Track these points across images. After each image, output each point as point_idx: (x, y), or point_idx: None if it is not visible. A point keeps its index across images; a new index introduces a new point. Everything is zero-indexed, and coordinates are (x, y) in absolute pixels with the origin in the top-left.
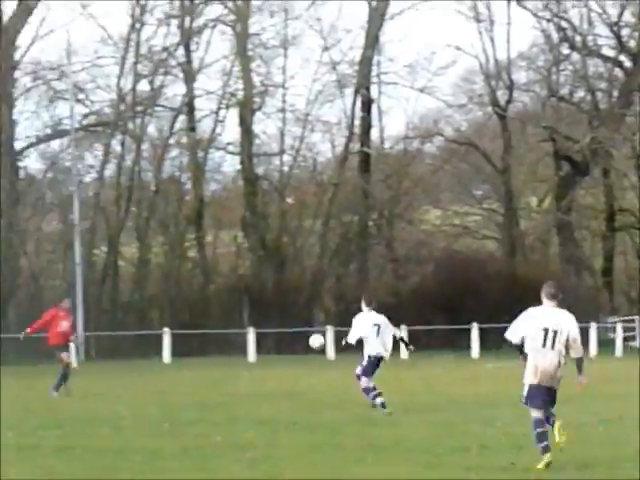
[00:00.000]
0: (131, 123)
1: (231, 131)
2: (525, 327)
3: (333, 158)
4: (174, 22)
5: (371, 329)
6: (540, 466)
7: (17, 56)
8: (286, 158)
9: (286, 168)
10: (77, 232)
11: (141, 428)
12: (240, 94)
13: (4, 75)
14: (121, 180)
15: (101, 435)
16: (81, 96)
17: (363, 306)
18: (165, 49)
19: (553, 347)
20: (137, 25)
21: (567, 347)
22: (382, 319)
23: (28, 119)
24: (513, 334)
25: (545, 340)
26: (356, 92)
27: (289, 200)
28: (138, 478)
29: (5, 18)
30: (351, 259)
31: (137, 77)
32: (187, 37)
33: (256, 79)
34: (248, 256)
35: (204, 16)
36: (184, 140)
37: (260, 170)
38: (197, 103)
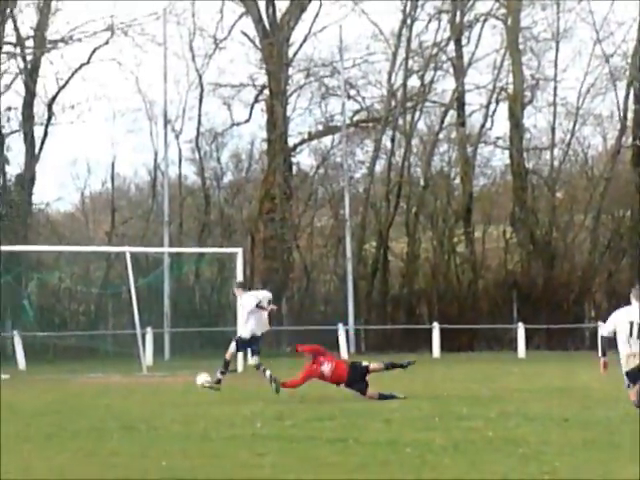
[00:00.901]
0: (401, 119)
1: (501, 125)
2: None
3: (605, 152)
4: (445, 17)
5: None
6: None
7: (290, 53)
8: (557, 152)
9: (556, 162)
10: (348, 227)
11: (412, 421)
12: (510, 88)
13: (278, 72)
14: (391, 175)
15: (373, 428)
16: (352, 92)
17: (633, 301)
18: (436, 44)
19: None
20: (408, 21)
21: None
22: None
23: (301, 115)
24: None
25: (631, 331)
26: (629, 85)
27: None
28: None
29: (279, 15)
30: (623, 254)
31: (408, 73)
32: (458, 32)
33: (527, 73)
34: (517, 251)
35: (475, 10)
36: (453, 135)
37: (530, 164)
38: (467, 98)
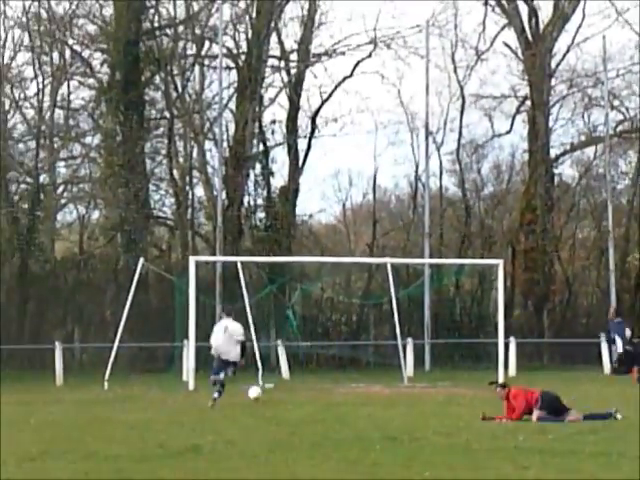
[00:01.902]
0: None
1: None
2: None
3: None
4: None
5: None
6: None
7: (553, 64)
8: None
9: None
10: (611, 239)
11: None
12: None
13: (541, 83)
14: None
15: (638, 442)
16: (616, 102)
17: None
18: None
19: None
20: None
21: None
22: None
23: (563, 126)
24: None
25: None
26: None
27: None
28: None
29: (541, 26)
30: None
31: None
32: None
33: None
34: None
35: None
36: None
37: None
38: None
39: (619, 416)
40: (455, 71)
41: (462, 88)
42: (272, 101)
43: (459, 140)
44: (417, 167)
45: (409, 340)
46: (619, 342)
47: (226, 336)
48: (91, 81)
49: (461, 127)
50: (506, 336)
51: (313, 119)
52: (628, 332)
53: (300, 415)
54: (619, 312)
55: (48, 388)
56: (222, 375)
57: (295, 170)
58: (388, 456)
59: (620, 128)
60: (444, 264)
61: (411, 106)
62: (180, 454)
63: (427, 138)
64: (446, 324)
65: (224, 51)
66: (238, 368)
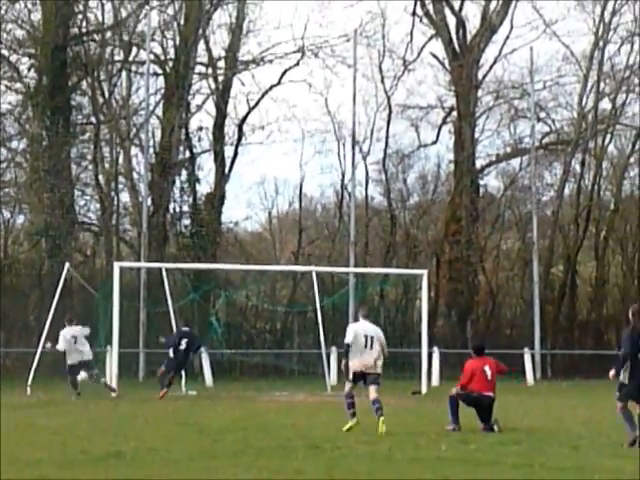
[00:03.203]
0: (592, 142)
1: None
2: None
3: None
4: (638, 40)
5: None
6: None
7: (480, 75)
8: None
9: None
10: (535, 250)
11: (600, 448)
12: None
13: (467, 94)
14: (580, 199)
15: (560, 454)
16: (542, 114)
17: None
18: (628, 67)
19: None
20: (600, 43)
21: None
22: None
23: (489, 137)
24: None
25: None
26: None
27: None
28: None
29: (469, 37)
30: None
31: (599, 95)
32: None
33: None
34: None
35: None
36: None
37: None
38: None
39: (496, 428)
40: (382, 81)
41: (389, 98)
42: (199, 108)
43: (385, 150)
44: (343, 176)
45: (333, 349)
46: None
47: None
48: (18, 85)
49: (387, 137)
50: (430, 346)
51: (240, 127)
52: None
53: (223, 423)
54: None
55: None
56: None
57: (221, 177)
58: (310, 464)
59: (546, 140)
60: (369, 273)
61: (338, 115)
62: (102, 460)
63: (354, 147)
64: None
65: (151, 57)
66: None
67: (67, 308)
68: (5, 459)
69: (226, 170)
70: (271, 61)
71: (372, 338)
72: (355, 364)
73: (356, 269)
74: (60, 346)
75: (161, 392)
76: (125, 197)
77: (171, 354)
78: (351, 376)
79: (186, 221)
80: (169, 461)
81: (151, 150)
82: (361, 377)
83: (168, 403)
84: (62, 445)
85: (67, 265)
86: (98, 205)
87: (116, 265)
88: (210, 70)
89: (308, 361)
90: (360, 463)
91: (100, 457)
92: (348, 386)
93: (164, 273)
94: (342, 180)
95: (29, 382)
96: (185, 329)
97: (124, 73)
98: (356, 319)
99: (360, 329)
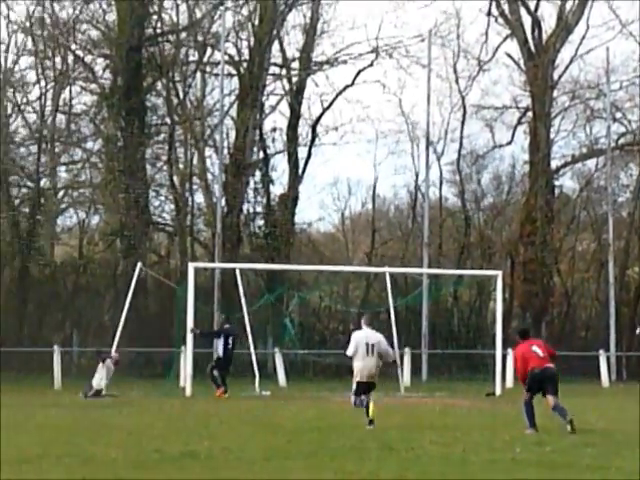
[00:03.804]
0: None
1: None
2: None
3: None
4: None
5: None
6: None
7: (555, 75)
8: None
9: None
10: (611, 252)
11: None
12: None
13: (543, 94)
14: None
15: (635, 456)
16: (618, 115)
17: None
18: None
19: None
20: None
21: None
22: None
23: (565, 138)
24: None
25: None
26: None
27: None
28: None
29: (544, 37)
30: None
31: None
32: None
33: None
34: None
35: None
36: None
37: None
38: None
39: (568, 428)
40: (457, 81)
41: (463, 98)
42: (273, 109)
43: (459, 150)
44: (417, 177)
45: (406, 350)
46: None
47: None
48: (93, 86)
49: (462, 137)
50: (504, 348)
51: (314, 127)
52: None
53: (297, 423)
54: None
55: (46, 391)
56: None
57: (295, 178)
58: (384, 466)
59: (622, 141)
60: (442, 274)
61: (412, 116)
62: (177, 460)
63: (427, 148)
64: (444, 334)
65: (226, 58)
66: None
67: (142, 308)
68: (80, 457)
69: (299, 171)
70: (345, 62)
71: (373, 346)
72: (360, 374)
73: (430, 270)
74: None
75: (218, 391)
76: (199, 198)
77: (220, 353)
78: (355, 387)
79: (260, 222)
80: (243, 461)
81: (225, 151)
82: (365, 387)
83: (242, 403)
84: (136, 444)
85: (139, 264)
86: (173, 206)
87: (191, 265)
88: (284, 71)
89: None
90: (434, 465)
91: (174, 457)
92: (354, 398)
93: (238, 273)
94: (416, 181)
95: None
96: (229, 326)
97: (199, 74)
98: (358, 327)
99: (362, 337)
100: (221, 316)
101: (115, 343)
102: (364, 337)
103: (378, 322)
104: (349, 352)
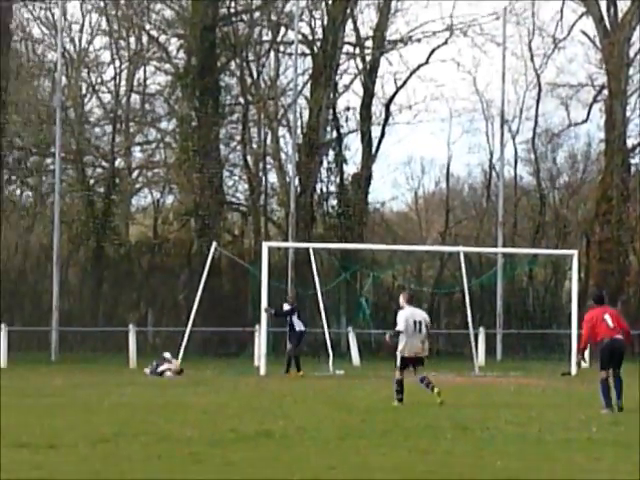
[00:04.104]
0: None
1: None
2: None
3: None
4: None
5: None
6: None
7: (631, 53)
8: None
9: None
10: None
11: None
12: None
13: (618, 72)
14: None
15: None
16: None
17: None
18: None
19: None
20: None
21: None
22: None
23: None
24: None
25: None
26: None
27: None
28: None
29: (620, 14)
30: None
31: None
32: None
33: None
34: None
35: None
36: None
37: None
38: None
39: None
40: (532, 59)
41: (539, 76)
42: (346, 88)
43: (535, 129)
44: (491, 155)
45: (481, 330)
46: None
47: None
48: (167, 66)
49: (537, 116)
50: (580, 327)
51: (387, 106)
52: None
53: (371, 402)
54: None
55: (121, 370)
56: None
57: (368, 157)
58: (459, 445)
59: None
60: (517, 254)
61: (486, 94)
62: (252, 439)
63: (502, 126)
64: (518, 314)
65: (299, 37)
66: None
67: (216, 288)
68: (156, 436)
69: (373, 150)
70: (419, 40)
71: (420, 322)
72: (406, 350)
73: (504, 249)
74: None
75: (298, 372)
76: (273, 177)
77: (302, 328)
78: (399, 363)
79: (333, 201)
80: (318, 440)
81: (299, 130)
82: (410, 363)
83: (316, 382)
84: (212, 423)
85: (214, 244)
86: (246, 185)
87: (265, 245)
88: (358, 50)
89: (455, 342)
90: (509, 444)
91: (250, 436)
92: (398, 373)
93: (312, 253)
94: (490, 160)
95: (179, 361)
96: (291, 306)
97: (272, 53)
98: (399, 307)
99: (409, 315)
100: (289, 295)
101: (190, 322)
102: (411, 315)
103: (452, 302)
104: (400, 327)
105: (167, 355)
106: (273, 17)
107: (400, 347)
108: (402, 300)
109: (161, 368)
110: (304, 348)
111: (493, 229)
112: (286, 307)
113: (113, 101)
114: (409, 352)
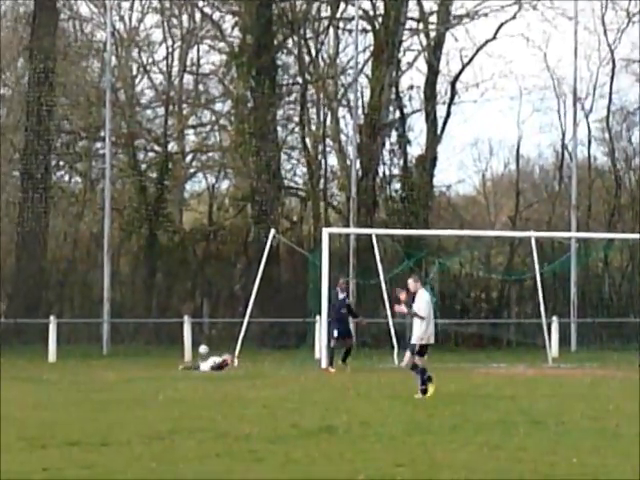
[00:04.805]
0: None
1: None
2: None
3: None
4: None
5: None
6: None
7: None
8: None
9: None
10: None
11: None
12: None
13: None
14: None
15: None
16: None
17: None
18: None
19: None
20: None
21: None
22: None
23: None
24: None
25: None
26: None
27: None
28: None
29: None
30: None
31: None
32: None
33: None
34: None
35: None
36: None
37: None
38: None
39: None
40: (605, 34)
41: (612, 52)
42: (410, 66)
43: (609, 107)
44: (564, 135)
45: (554, 319)
46: None
47: None
48: (221, 45)
49: (611, 93)
50: None
51: (453, 84)
52: None
53: (438, 396)
54: None
55: (176, 363)
56: None
57: (433, 138)
58: (533, 440)
59: None
60: (592, 238)
61: (558, 71)
62: (314, 434)
63: (575, 105)
64: (594, 302)
65: (360, 13)
66: None
67: (274, 277)
68: (213, 433)
69: (438, 131)
70: (486, 14)
71: (432, 307)
72: (425, 336)
73: (578, 234)
74: None
75: (331, 368)
76: (333, 160)
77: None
78: (419, 348)
79: (396, 185)
80: (383, 436)
81: (360, 111)
82: (426, 349)
83: (380, 375)
84: (272, 419)
85: (272, 231)
86: (305, 169)
87: (325, 231)
88: (421, 25)
89: (527, 332)
90: (585, 439)
91: (312, 431)
92: (421, 360)
93: (374, 239)
94: (562, 140)
95: (236, 353)
96: (343, 297)
97: (332, 30)
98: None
99: (429, 298)
100: (342, 281)
101: (247, 313)
102: (429, 299)
103: (523, 290)
104: (424, 313)
105: (202, 350)
106: None
107: (419, 333)
108: (413, 285)
109: (203, 368)
110: (367, 340)
111: (566, 213)
112: (341, 295)
113: (165, 82)
114: (428, 339)
